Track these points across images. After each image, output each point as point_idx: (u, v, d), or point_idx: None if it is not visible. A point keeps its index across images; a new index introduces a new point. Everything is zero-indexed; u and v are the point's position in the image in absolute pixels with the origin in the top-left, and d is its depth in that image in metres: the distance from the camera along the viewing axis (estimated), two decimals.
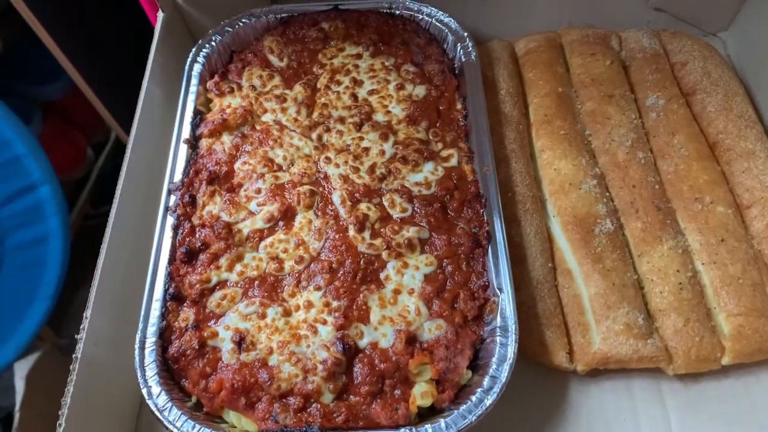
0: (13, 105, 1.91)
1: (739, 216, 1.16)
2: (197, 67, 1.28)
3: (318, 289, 1.03)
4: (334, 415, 0.93)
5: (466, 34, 1.30)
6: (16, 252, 2.01)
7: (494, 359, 0.96)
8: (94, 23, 2.13)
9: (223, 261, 1.05)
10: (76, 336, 0.97)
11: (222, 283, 1.04)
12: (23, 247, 2.00)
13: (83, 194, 2.64)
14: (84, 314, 0.99)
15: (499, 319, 0.99)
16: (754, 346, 1.03)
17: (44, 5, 1.86)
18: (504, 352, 0.96)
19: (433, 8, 1.34)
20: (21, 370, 2.10)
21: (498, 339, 0.97)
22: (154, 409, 0.93)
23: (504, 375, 0.94)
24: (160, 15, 1.32)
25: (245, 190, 1.13)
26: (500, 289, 1.01)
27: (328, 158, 1.16)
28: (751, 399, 1.06)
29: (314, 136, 1.20)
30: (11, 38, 2.23)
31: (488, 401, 0.92)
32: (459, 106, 1.24)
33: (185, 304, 1.03)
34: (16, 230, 1.99)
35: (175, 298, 1.03)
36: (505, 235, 1.06)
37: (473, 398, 0.93)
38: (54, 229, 2.03)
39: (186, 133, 1.19)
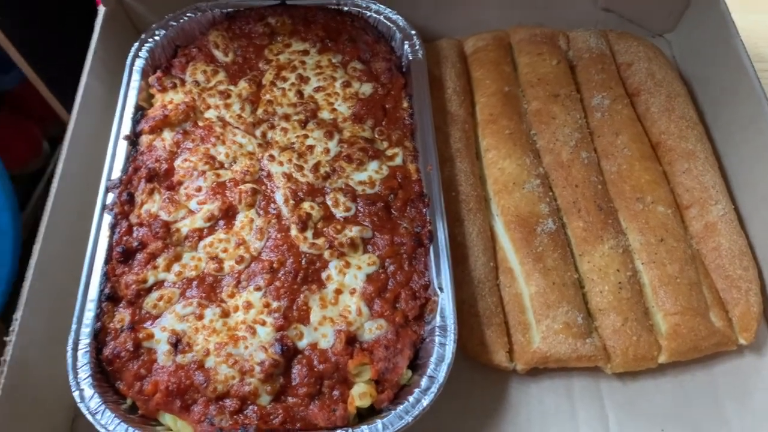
0: None
1: (679, 216, 1.18)
2: (139, 62, 1.25)
3: (258, 289, 1.02)
4: (271, 416, 0.92)
5: (413, 32, 1.30)
6: None
7: (432, 359, 0.96)
8: (45, 14, 2.07)
9: (160, 261, 1.04)
10: (5, 339, 0.95)
11: (159, 284, 1.02)
12: None
13: (38, 189, 2.58)
14: (14, 315, 0.96)
15: (438, 318, 0.99)
16: (689, 344, 1.05)
17: None
18: (442, 351, 0.96)
19: (381, 5, 1.33)
20: None
21: (437, 339, 0.97)
22: (85, 412, 0.91)
23: (442, 375, 0.94)
24: (101, 9, 1.29)
25: (185, 188, 1.11)
26: (440, 289, 1.01)
27: (271, 156, 1.15)
28: (687, 396, 1.08)
29: (258, 133, 1.18)
30: None
31: (425, 401, 0.92)
32: (405, 104, 1.23)
33: (121, 305, 1.01)
34: None
35: (110, 298, 1.00)
36: (447, 235, 1.06)
37: (410, 398, 0.93)
38: (5, 226, 1.98)
39: (126, 129, 1.17)
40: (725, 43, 1.29)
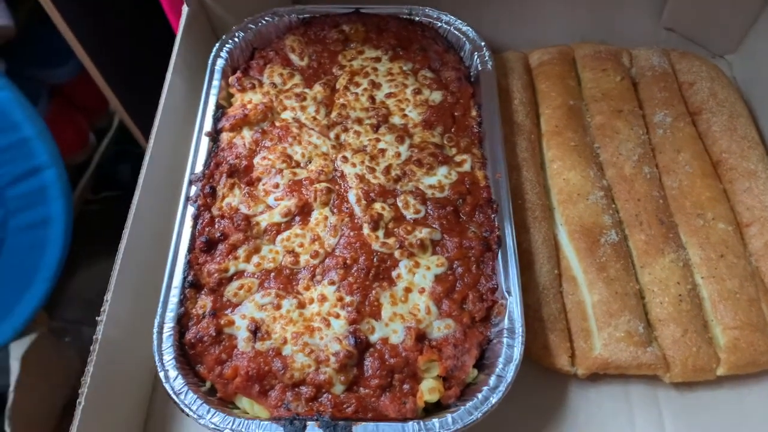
0: (21, 87, 1.93)
1: (739, 233, 1.20)
2: (220, 62, 1.31)
3: (332, 283, 1.06)
4: (344, 405, 0.97)
5: (483, 43, 1.34)
6: (18, 233, 2.03)
7: (501, 359, 0.99)
8: (106, 7, 2.15)
9: (241, 252, 1.09)
10: (97, 318, 1.00)
11: (239, 273, 1.07)
12: (26, 228, 2.02)
13: (84, 179, 2.66)
14: (105, 297, 1.02)
15: (506, 321, 1.03)
16: (748, 358, 1.08)
17: None
18: (510, 353, 1.00)
19: (452, 17, 1.37)
20: (16, 351, 2.12)
21: (505, 340, 1.01)
22: (170, 391, 0.96)
23: (510, 375, 0.98)
24: (185, 9, 1.34)
25: (264, 185, 1.16)
26: (508, 293, 1.05)
27: (345, 157, 1.19)
28: (743, 410, 1.10)
29: (332, 135, 1.23)
30: (21, 21, 2.25)
31: (494, 399, 0.96)
32: (474, 113, 1.27)
33: (203, 292, 1.06)
34: (20, 212, 2.01)
35: (193, 285, 1.06)
36: (515, 241, 1.09)
37: (479, 396, 0.96)
38: (57, 213, 2.05)
39: (208, 126, 1.22)
40: None
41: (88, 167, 2.68)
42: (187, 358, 1.02)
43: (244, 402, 1.00)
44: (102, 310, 1.01)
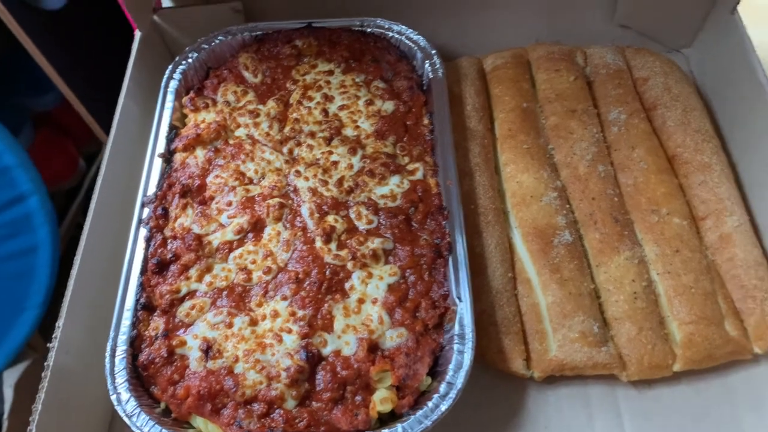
0: (3, 116, 1.95)
1: (695, 227, 1.20)
2: (173, 84, 1.32)
3: (284, 299, 1.06)
4: (297, 420, 0.97)
5: (434, 51, 1.34)
6: (5, 262, 2.03)
7: (451, 366, 0.99)
8: (82, 35, 2.17)
9: (193, 272, 1.09)
10: (48, 345, 1.01)
11: (191, 294, 1.08)
12: (12, 257, 2.03)
13: (75, 204, 2.67)
14: (56, 323, 1.03)
15: (457, 327, 1.03)
16: (704, 353, 1.07)
17: (32, 18, 1.90)
18: (461, 359, 1.00)
19: (403, 26, 1.38)
20: (10, 379, 2.13)
21: (456, 346, 1.01)
22: (122, 414, 0.96)
23: (460, 381, 0.97)
24: (137, 33, 1.36)
25: (216, 203, 1.17)
26: (459, 299, 1.05)
27: (298, 171, 1.20)
28: (703, 404, 1.10)
29: (285, 150, 1.24)
30: (2, 50, 2.27)
31: (443, 407, 0.96)
32: (426, 121, 1.27)
33: (156, 314, 1.06)
34: (5, 240, 2.02)
35: (146, 307, 1.06)
36: (465, 246, 1.09)
37: (430, 404, 0.96)
38: (43, 240, 2.06)
39: (161, 147, 1.23)
40: (741, 58, 1.31)
41: (79, 192, 2.70)
42: (141, 381, 1.02)
43: (198, 421, 1.00)
44: (54, 336, 1.02)
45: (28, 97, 2.42)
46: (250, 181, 1.20)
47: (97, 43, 2.24)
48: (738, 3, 1.34)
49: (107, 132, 2.21)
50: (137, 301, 1.06)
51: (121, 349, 1.02)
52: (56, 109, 2.44)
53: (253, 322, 1.05)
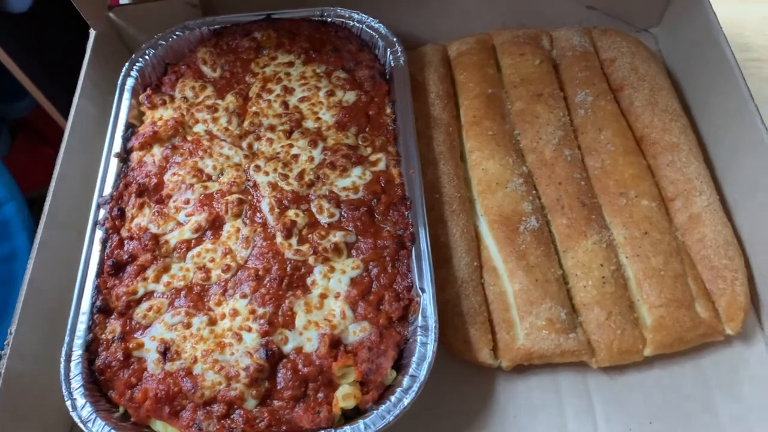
0: None
1: (664, 208, 1.18)
2: (130, 81, 1.29)
3: (244, 297, 1.04)
4: (257, 420, 0.95)
5: (395, 39, 1.32)
6: None
7: (414, 358, 0.97)
8: (50, 38, 2.14)
9: (150, 272, 1.07)
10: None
11: (149, 294, 1.05)
12: None
13: None
14: (9, 329, 1.00)
15: (420, 318, 1.01)
16: (674, 335, 1.05)
17: (1, 26, 1.88)
18: (424, 351, 0.97)
19: (364, 15, 1.35)
20: None
21: (419, 338, 0.99)
22: (77, 420, 0.94)
23: (423, 373, 0.95)
24: (92, 32, 1.33)
25: (174, 201, 1.14)
26: (422, 290, 1.03)
27: (257, 166, 1.17)
28: (675, 388, 1.08)
29: (244, 144, 1.21)
30: None
31: (406, 400, 0.93)
32: (388, 110, 1.25)
33: (112, 317, 1.04)
34: None
35: (102, 310, 1.04)
36: (428, 236, 1.07)
37: (392, 398, 0.94)
38: (21, 247, 2.04)
39: (117, 146, 1.20)
40: (708, 36, 1.28)
41: None
42: (99, 386, 1.00)
43: (158, 425, 0.97)
44: (6, 343, 0.99)
45: (3, 104, 2.39)
46: (209, 178, 1.17)
47: (66, 46, 2.20)
48: None
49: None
50: (93, 304, 1.04)
51: (77, 353, 0.99)
52: (32, 116, 2.42)
53: (212, 322, 1.02)
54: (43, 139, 2.57)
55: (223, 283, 1.06)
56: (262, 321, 1.01)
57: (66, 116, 2.15)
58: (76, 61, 2.15)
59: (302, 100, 1.26)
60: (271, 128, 1.22)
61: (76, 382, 0.97)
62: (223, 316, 1.03)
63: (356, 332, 1.01)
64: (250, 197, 1.14)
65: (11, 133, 2.49)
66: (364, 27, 1.35)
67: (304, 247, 1.08)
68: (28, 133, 2.53)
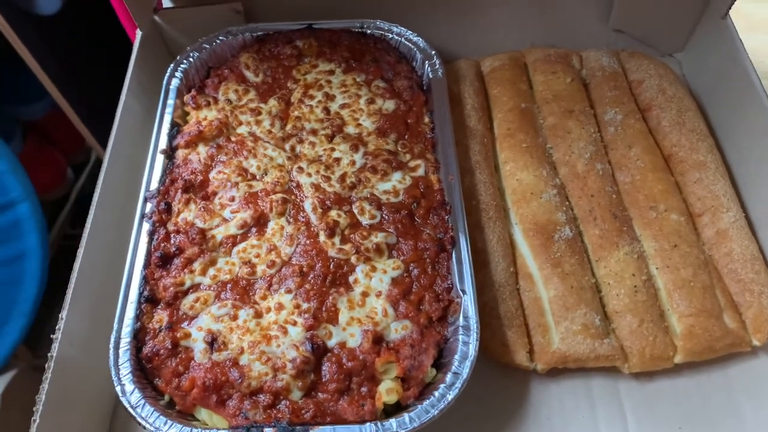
0: None
1: (692, 223, 1.22)
2: (175, 82, 1.32)
3: (289, 291, 1.07)
4: (303, 411, 0.96)
5: (433, 52, 1.36)
6: None
7: (456, 357, 1.00)
8: (75, 43, 2.17)
9: (196, 265, 1.09)
10: (51, 336, 1.00)
11: (195, 287, 1.08)
12: (1, 264, 2.01)
13: (62, 214, 2.65)
14: (60, 315, 1.02)
15: (461, 319, 1.03)
16: (704, 344, 1.09)
17: (27, 25, 1.90)
18: (466, 350, 1.00)
19: (403, 28, 1.40)
20: None
21: (460, 338, 1.02)
22: (127, 405, 0.95)
23: (465, 371, 0.98)
24: (138, 33, 1.36)
25: (219, 198, 1.17)
26: (463, 291, 1.06)
27: (300, 168, 1.21)
28: (703, 395, 1.11)
29: (287, 146, 1.24)
30: None
31: (450, 396, 0.96)
32: (426, 119, 1.29)
33: (159, 307, 1.06)
34: None
35: (149, 300, 1.06)
36: (468, 241, 1.10)
37: (436, 394, 0.97)
38: (32, 247, 2.04)
39: (163, 144, 1.23)
40: (733, 60, 1.34)
41: (67, 202, 2.68)
42: (145, 373, 1.01)
43: (203, 413, 0.99)
44: (57, 327, 1.01)
45: (18, 105, 2.41)
46: (253, 177, 1.20)
47: (90, 51, 2.24)
48: (730, 8, 1.38)
49: (99, 140, 2.21)
50: (141, 293, 1.06)
51: (125, 341, 1.01)
52: (45, 119, 2.43)
53: (258, 315, 1.05)
54: (52, 143, 2.58)
55: (268, 278, 1.08)
56: (306, 315, 1.04)
57: (85, 121, 2.18)
58: (97, 67, 2.19)
59: (343, 106, 1.30)
60: (313, 132, 1.26)
61: (125, 369, 0.99)
62: (269, 310, 1.05)
63: (398, 330, 1.03)
64: (293, 197, 1.17)
65: (23, 135, 2.49)
66: (402, 40, 1.40)
67: (347, 247, 1.11)
68: (38, 136, 2.53)
